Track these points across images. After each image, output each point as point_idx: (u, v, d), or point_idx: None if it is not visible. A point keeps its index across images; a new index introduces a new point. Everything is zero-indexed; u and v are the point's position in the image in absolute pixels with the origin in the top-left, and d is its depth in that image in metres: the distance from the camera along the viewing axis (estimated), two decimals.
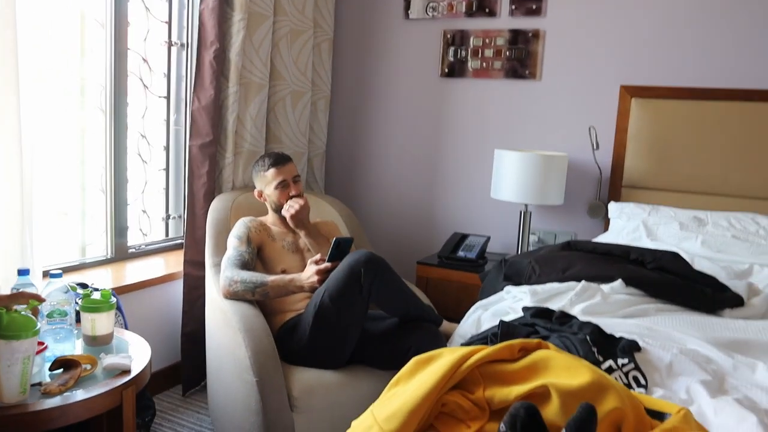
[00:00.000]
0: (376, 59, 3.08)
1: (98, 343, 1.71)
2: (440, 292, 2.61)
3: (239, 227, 2.17)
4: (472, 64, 2.86)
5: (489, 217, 2.90)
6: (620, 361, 1.23)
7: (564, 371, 0.98)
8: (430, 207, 3.04)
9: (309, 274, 1.98)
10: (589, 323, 1.39)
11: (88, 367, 1.56)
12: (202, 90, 2.46)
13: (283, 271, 2.12)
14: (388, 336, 1.98)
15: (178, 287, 2.53)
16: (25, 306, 1.46)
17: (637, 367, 1.22)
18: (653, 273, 1.81)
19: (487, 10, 2.81)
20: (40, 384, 1.47)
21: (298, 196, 2.21)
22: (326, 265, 1.96)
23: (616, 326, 1.46)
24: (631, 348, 1.30)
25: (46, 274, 1.82)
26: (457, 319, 1.93)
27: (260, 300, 2.07)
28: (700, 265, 1.94)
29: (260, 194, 2.29)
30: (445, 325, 2.08)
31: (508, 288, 1.84)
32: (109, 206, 2.43)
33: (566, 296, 1.69)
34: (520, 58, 2.76)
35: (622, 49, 2.60)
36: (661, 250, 1.92)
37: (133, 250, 2.57)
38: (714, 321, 1.59)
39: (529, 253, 2.11)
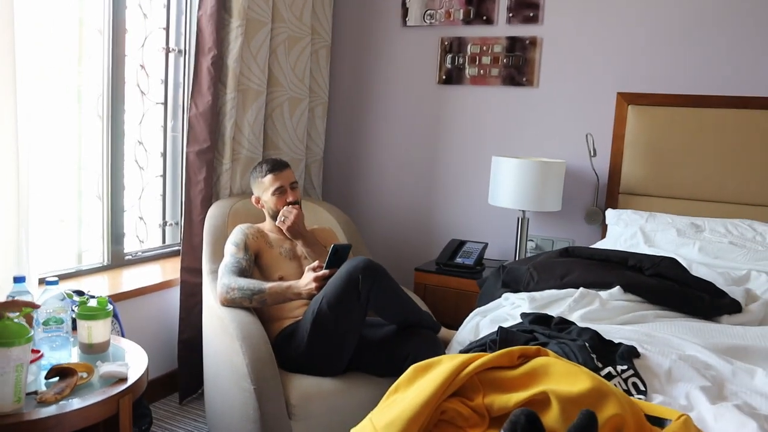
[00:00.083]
0: (373, 66, 3.09)
1: (95, 351, 1.70)
2: (438, 298, 2.60)
3: (236, 234, 2.17)
4: (469, 71, 2.87)
5: (487, 224, 2.90)
6: (619, 368, 1.23)
7: (564, 378, 0.98)
8: (427, 213, 3.04)
9: (307, 281, 1.97)
10: (587, 329, 1.39)
11: (85, 375, 1.55)
12: (200, 96, 2.46)
13: (281, 278, 2.12)
14: (386, 343, 1.98)
15: (174, 294, 2.52)
16: (17, 313, 1.45)
17: (636, 374, 1.22)
18: (651, 279, 1.81)
19: (484, 18, 2.82)
20: (35, 392, 1.46)
21: (294, 203, 2.20)
22: (324, 271, 1.96)
23: (614, 332, 1.46)
24: (630, 354, 1.30)
25: (42, 281, 1.82)
26: (455, 325, 1.93)
27: (258, 307, 2.06)
28: (697, 271, 1.95)
29: (257, 200, 2.28)
30: (444, 331, 2.08)
31: (507, 294, 1.84)
32: (105, 213, 2.42)
33: (565, 303, 1.68)
34: (518, 65, 2.77)
35: (619, 57, 2.61)
36: (659, 256, 1.93)
37: (130, 257, 2.56)
38: (712, 327, 1.59)
39: (528, 259, 2.11)
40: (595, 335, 1.36)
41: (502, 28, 2.80)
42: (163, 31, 2.61)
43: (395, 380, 1.07)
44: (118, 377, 1.58)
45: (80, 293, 1.94)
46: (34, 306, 1.53)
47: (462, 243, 2.74)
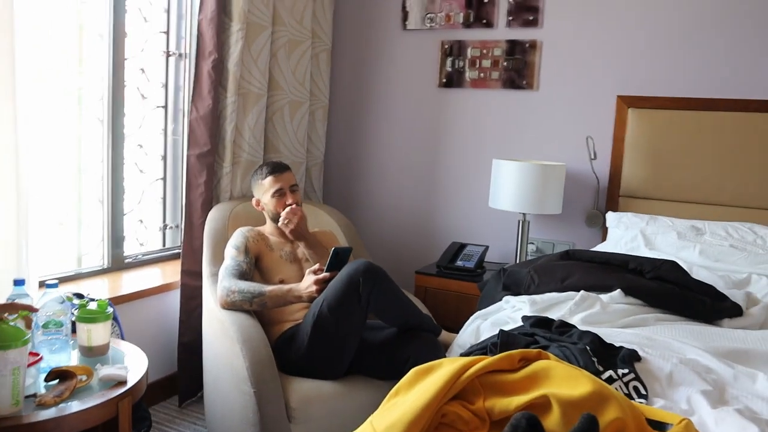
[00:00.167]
0: (374, 69, 3.09)
1: (94, 353, 1.70)
2: (439, 301, 2.60)
3: (237, 237, 2.17)
4: (469, 74, 2.87)
5: (487, 227, 2.90)
6: (620, 371, 1.23)
7: (565, 381, 0.98)
8: (428, 216, 3.03)
9: (307, 283, 1.97)
10: (588, 333, 1.39)
11: (84, 378, 1.55)
12: (201, 100, 2.46)
13: (281, 281, 2.11)
14: (386, 346, 1.97)
15: (174, 297, 2.52)
16: (15, 316, 1.45)
17: (637, 377, 1.22)
18: (652, 282, 1.80)
19: (484, 21, 2.82)
20: (34, 395, 1.46)
21: (294, 205, 2.19)
22: (325, 274, 1.95)
23: (615, 336, 1.46)
24: (631, 358, 1.30)
25: (42, 284, 1.81)
26: (456, 328, 1.93)
27: (258, 310, 2.06)
28: (698, 274, 1.94)
29: (258, 203, 2.28)
30: (444, 334, 2.07)
31: (507, 298, 1.84)
32: (106, 216, 2.42)
33: (565, 306, 1.68)
34: (518, 68, 2.77)
35: (619, 60, 2.61)
36: (660, 260, 1.92)
37: (130, 260, 2.55)
38: (713, 331, 1.59)
39: (528, 262, 2.11)
40: (596, 339, 1.36)
41: (502, 32, 2.80)
42: (163, 35, 2.62)
43: (396, 383, 1.07)
44: (118, 380, 1.58)
45: (80, 296, 1.94)
46: (32, 309, 1.53)
47: (463, 246, 2.74)
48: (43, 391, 1.50)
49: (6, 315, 1.43)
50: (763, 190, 2.36)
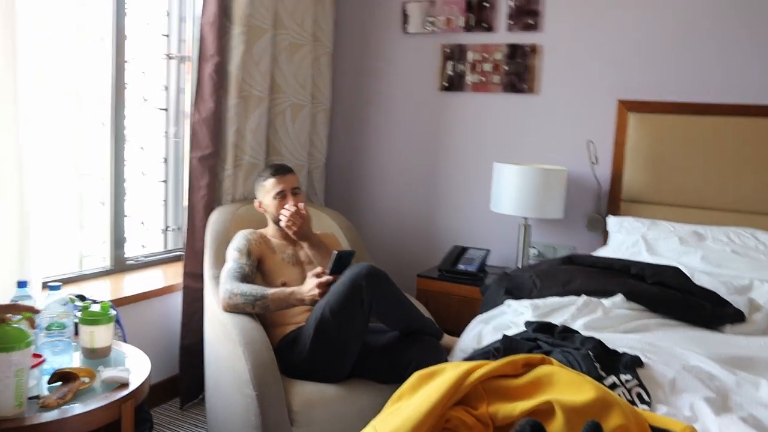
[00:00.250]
0: (375, 73, 3.10)
1: (97, 355, 1.70)
2: (440, 305, 2.60)
3: (239, 239, 2.17)
4: (470, 78, 2.87)
5: (489, 231, 2.90)
6: (623, 377, 1.23)
7: (568, 387, 0.98)
8: (429, 220, 3.04)
9: (310, 286, 1.97)
10: (591, 338, 1.39)
11: (87, 380, 1.55)
12: (202, 102, 2.46)
13: (284, 284, 2.11)
14: (388, 349, 1.97)
15: (176, 299, 2.52)
16: (19, 317, 1.45)
17: (640, 384, 1.22)
18: (653, 288, 1.81)
19: (485, 25, 2.83)
20: (37, 397, 1.46)
21: (295, 207, 2.18)
22: (327, 277, 1.95)
23: (617, 341, 1.46)
24: (633, 364, 1.30)
25: (45, 285, 1.81)
26: (458, 332, 1.93)
27: (260, 313, 2.06)
28: (700, 280, 1.94)
29: (260, 205, 2.28)
30: (446, 338, 2.07)
31: (509, 302, 1.84)
32: (108, 218, 2.42)
33: (568, 310, 1.68)
34: (518, 72, 2.78)
35: (619, 64, 2.62)
36: (662, 265, 1.93)
37: (132, 261, 2.55)
38: (715, 337, 1.59)
39: (530, 267, 2.11)
40: (599, 344, 1.36)
41: (502, 36, 2.80)
42: (164, 38, 2.62)
43: (398, 387, 1.07)
44: (120, 382, 1.58)
45: (82, 298, 1.94)
46: (35, 311, 1.53)
47: (464, 249, 2.74)
48: (46, 393, 1.49)
49: (10, 316, 1.43)
50: (765, 194, 2.36)
